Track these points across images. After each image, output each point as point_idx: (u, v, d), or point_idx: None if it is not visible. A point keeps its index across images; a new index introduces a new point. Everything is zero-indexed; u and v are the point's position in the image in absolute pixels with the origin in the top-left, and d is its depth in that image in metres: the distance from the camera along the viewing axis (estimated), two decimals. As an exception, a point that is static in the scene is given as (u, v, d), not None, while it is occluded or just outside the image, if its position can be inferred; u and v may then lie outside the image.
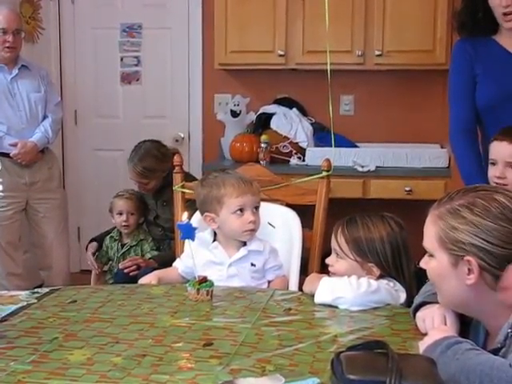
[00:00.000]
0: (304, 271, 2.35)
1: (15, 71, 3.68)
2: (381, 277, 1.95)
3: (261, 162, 3.98)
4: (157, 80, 4.71)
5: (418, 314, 1.63)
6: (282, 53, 4.14)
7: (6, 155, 3.65)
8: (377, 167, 3.94)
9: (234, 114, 4.37)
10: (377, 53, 4.06)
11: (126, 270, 3.29)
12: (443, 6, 3.96)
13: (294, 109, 4.33)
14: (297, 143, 4.16)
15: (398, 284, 1.94)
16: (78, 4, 4.75)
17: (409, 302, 1.86)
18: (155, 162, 3.48)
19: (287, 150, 4.15)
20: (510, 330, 1.34)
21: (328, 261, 2.05)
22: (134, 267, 3.30)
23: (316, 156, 3.83)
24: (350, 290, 1.81)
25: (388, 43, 4.06)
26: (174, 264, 2.30)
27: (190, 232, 1.91)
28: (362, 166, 3.93)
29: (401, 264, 1.97)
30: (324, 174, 2.47)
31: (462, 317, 1.55)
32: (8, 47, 3.61)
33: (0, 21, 3.58)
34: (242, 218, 2.15)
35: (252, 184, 2.20)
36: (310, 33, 4.06)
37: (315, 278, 1.96)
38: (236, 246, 2.19)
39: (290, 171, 3.89)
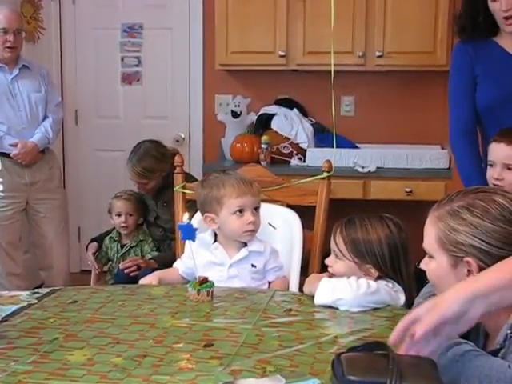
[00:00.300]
0: (304, 272, 2.35)
1: (16, 71, 3.69)
2: (379, 278, 1.95)
3: (261, 162, 3.98)
4: (157, 80, 4.72)
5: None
6: (282, 53, 4.14)
7: (7, 155, 3.65)
8: (377, 168, 3.94)
9: (235, 115, 4.37)
10: (378, 54, 4.07)
11: (126, 271, 3.29)
12: (444, 8, 3.97)
13: (295, 109, 4.33)
14: (297, 144, 4.17)
15: (396, 285, 1.94)
16: (79, 4, 4.75)
17: (408, 304, 1.86)
18: (154, 162, 3.48)
19: (288, 151, 4.16)
20: (509, 331, 1.34)
21: (327, 261, 2.05)
22: (135, 268, 3.30)
23: (316, 157, 3.84)
24: (349, 291, 1.82)
25: (389, 44, 4.06)
26: (175, 265, 2.30)
27: (190, 233, 1.91)
28: (363, 167, 3.93)
29: (399, 265, 1.97)
30: (325, 174, 2.47)
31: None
32: (9, 47, 3.61)
33: (1, 21, 3.58)
34: (241, 219, 2.15)
35: (252, 185, 2.20)
36: (311, 33, 4.07)
37: (315, 278, 1.96)
38: (236, 246, 2.19)
39: (291, 172, 3.90)
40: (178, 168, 2.64)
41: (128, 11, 4.69)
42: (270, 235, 2.35)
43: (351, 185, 3.91)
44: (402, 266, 1.98)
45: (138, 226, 3.58)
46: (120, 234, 3.57)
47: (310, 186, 2.51)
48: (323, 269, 2.15)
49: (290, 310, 1.81)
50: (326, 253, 2.13)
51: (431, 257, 1.48)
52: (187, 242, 2.05)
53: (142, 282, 2.23)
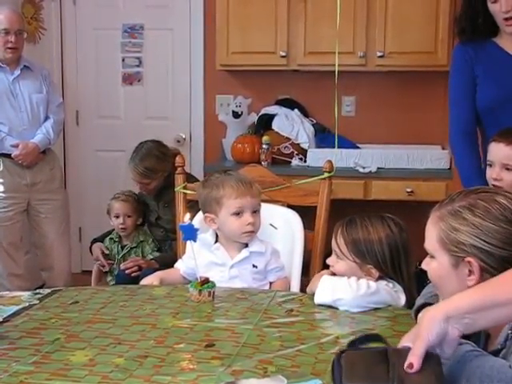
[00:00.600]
0: (306, 272, 2.35)
1: (17, 72, 3.68)
2: (380, 278, 1.95)
3: (262, 163, 3.98)
4: (158, 81, 4.71)
5: (420, 316, 1.63)
6: (283, 54, 4.14)
7: (8, 156, 3.65)
8: (378, 168, 3.94)
9: (236, 115, 4.38)
10: (379, 54, 4.06)
11: (127, 271, 3.29)
12: (445, 8, 3.97)
13: (296, 110, 4.33)
14: (298, 144, 4.17)
15: (397, 285, 1.94)
16: (80, 5, 4.75)
17: (409, 304, 1.86)
18: (156, 161, 3.48)
19: (289, 151, 4.16)
20: (510, 332, 1.34)
21: (329, 261, 2.06)
22: (136, 268, 3.30)
23: (317, 157, 3.84)
24: (349, 291, 1.82)
25: (390, 44, 4.06)
26: (176, 265, 2.30)
27: (192, 233, 1.92)
28: (364, 167, 3.93)
29: (400, 266, 1.97)
30: (326, 175, 2.47)
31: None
32: (10, 48, 3.60)
33: (2, 21, 3.58)
34: (240, 220, 2.15)
35: (252, 186, 2.20)
36: (312, 34, 4.07)
37: (318, 278, 1.96)
38: (238, 247, 2.19)
39: (292, 172, 3.89)
40: (178, 168, 2.64)
41: (129, 12, 4.69)
42: (271, 235, 2.35)
43: (352, 185, 3.91)
44: (402, 266, 1.98)
45: (137, 227, 3.57)
46: (120, 234, 3.56)
47: (311, 186, 2.51)
48: (324, 269, 2.15)
49: (292, 310, 1.81)
50: (328, 253, 2.13)
51: (432, 257, 1.48)
52: (188, 242, 2.06)
53: (143, 282, 2.24)
